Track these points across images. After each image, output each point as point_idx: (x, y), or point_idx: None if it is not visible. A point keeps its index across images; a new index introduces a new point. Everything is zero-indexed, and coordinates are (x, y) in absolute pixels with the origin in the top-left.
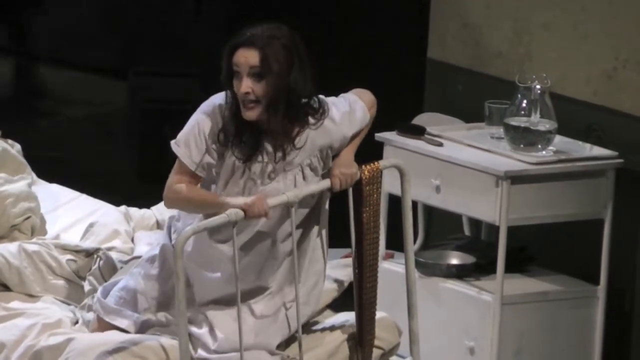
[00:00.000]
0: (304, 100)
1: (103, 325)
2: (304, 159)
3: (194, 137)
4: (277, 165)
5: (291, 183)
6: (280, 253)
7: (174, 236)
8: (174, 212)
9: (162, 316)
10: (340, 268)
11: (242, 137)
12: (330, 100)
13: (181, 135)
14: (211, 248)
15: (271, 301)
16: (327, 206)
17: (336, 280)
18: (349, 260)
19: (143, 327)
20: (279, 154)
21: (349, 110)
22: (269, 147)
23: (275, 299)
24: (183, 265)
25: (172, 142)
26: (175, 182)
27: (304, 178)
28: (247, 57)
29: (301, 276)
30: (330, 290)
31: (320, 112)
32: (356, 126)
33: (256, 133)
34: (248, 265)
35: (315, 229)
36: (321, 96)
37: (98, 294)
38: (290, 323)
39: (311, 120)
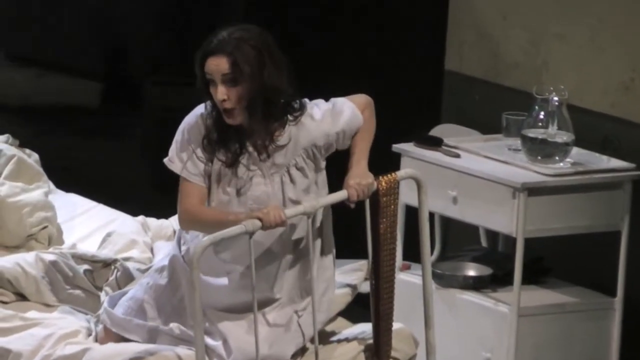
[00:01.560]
0: (283, 99)
1: (111, 336)
2: (289, 159)
3: (184, 149)
4: (263, 168)
5: (278, 185)
6: (283, 263)
7: (183, 248)
8: None
9: (175, 327)
10: (350, 273)
11: (226, 142)
12: (314, 101)
13: (171, 151)
14: (211, 258)
15: (282, 310)
16: (329, 212)
17: (348, 285)
18: (359, 265)
19: (152, 337)
20: (264, 155)
21: (331, 108)
22: (253, 150)
23: (286, 309)
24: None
25: (165, 160)
26: (184, 204)
27: (291, 180)
28: (218, 65)
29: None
30: (343, 295)
31: (300, 111)
32: (342, 123)
33: (239, 137)
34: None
35: (320, 236)
36: (305, 99)
37: (105, 304)
38: (304, 332)
39: (290, 117)
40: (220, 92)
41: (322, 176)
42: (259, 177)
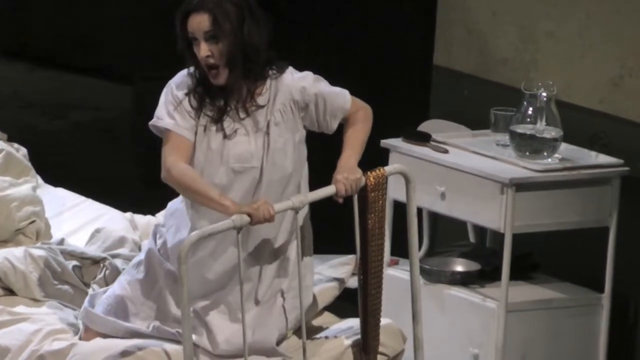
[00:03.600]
0: (263, 59)
1: (91, 334)
2: (268, 116)
3: (172, 105)
4: (247, 125)
5: (260, 144)
6: (263, 255)
7: (159, 241)
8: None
9: (155, 329)
10: (337, 267)
11: (212, 97)
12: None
13: (159, 110)
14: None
15: (264, 293)
16: (306, 171)
17: (335, 279)
18: (347, 259)
19: (132, 336)
20: (243, 114)
21: (316, 76)
22: (234, 108)
23: (268, 291)
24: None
25: (152, 121)
26: (172, 157)
27: (269, 136)
28: (200, 22)
29: (288, 271)
30: (330, 289)
31: (281, 69)
32: (322, 87)
33: (223, 94)
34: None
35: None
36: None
37: (85, 302)
38: (288, 316)
39: (271, 73)
40: (203, 49)
41: (301, 142)
42: (243, 135)
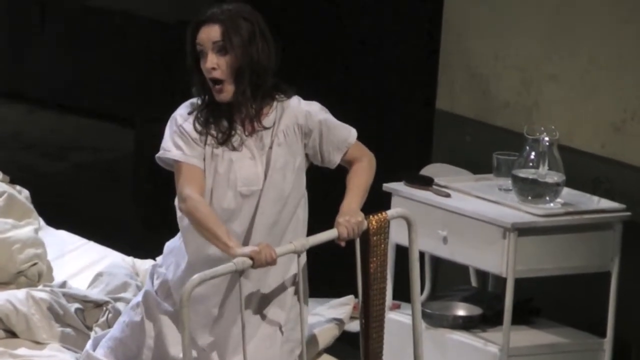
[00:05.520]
0: (271, 81)
1: None
2: (273, 137)
3: (178, 136)
4: (253, 148)
5: (265, 165)
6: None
7: (156, 282)
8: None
9: None
10: (337, 307)
11: (217, 120)
12: None
13: (165, 141)
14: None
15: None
16: (304, 213)
17: (335, 319)
18: (346, 299)
19: None
20: (249, 129)
21: (323, 107)
22: (240, 126)
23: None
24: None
25: (159, 154)
26: (186, 188)
27: (270, 155)
28: (209, 33)
29: (286, 303)
30: (330, 329)
31: (288, 92)
32: (328, 118)
33: (229, 115)
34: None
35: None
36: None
37: (87, 345)
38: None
39: (278, 97)
40: (210, 61)
41: (300, 169)
42: (249, 158)
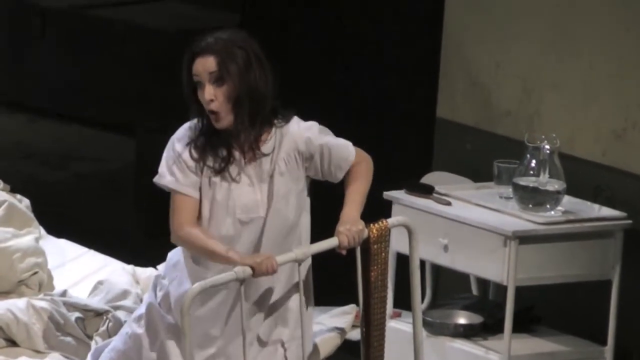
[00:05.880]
0: (269, 106)
1: None
2: (273, 165)
3: (173, 162)
4: (251, 175)
5: (265, 194)
6: (263, 305)
7: (159, 294)
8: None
9: None
10: (339, 316)
11: (214, 148)
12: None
13: (161, 167)
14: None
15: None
16: (307, 221)
17: (337, 328)
18: (347, 308)
19: None
20: (249, 155)
21: (321, 127)
22: (239, 154)
23: (269, 340)
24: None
25: (155, 178)
26: (179, 218)
27: (273, 184)
28: (205, 64)
29: (288, 321)
30: (331, 338)
31: (287, 118)
32: (328, 139)
33: (227, 142)
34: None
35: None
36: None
37: (89, 357)
38: None
39: (277, 122)
40: (208, 92)
41: (302, 191)
42: (247, 185)
